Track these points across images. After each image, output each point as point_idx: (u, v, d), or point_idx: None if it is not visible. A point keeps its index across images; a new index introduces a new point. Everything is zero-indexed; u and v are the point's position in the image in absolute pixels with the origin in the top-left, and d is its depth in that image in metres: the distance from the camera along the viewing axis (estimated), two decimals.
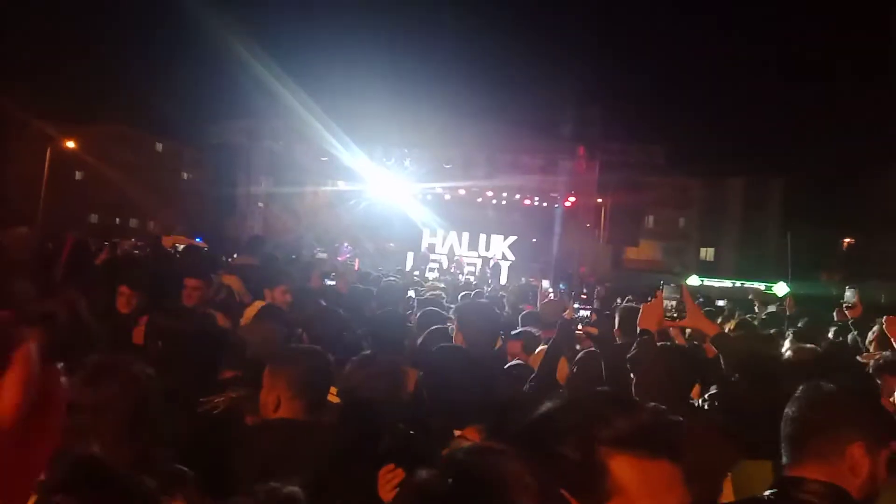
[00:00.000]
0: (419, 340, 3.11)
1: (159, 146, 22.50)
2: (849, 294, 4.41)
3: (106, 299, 3.55)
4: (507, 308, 5.92)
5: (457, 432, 1.79)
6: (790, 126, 13.74)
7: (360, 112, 14.52)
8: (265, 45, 12.64)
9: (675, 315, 2.42)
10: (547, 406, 1.00)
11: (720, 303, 10.43)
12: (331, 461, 1.63)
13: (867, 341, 3.81)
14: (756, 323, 4.59)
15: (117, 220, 21.25)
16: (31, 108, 14.73)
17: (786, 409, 1.35)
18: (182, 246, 8.77)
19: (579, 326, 3.32)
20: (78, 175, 19.84)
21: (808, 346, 3.56)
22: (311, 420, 1.75)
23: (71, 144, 18.75)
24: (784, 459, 1.32)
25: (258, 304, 3.48)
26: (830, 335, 4.76)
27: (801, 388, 1.36)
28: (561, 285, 12.42)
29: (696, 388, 2.79)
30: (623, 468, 0.88)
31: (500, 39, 14.02)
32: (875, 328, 3.75)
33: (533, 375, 2.65)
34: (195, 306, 3.55)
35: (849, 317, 5.18)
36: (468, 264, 17.81)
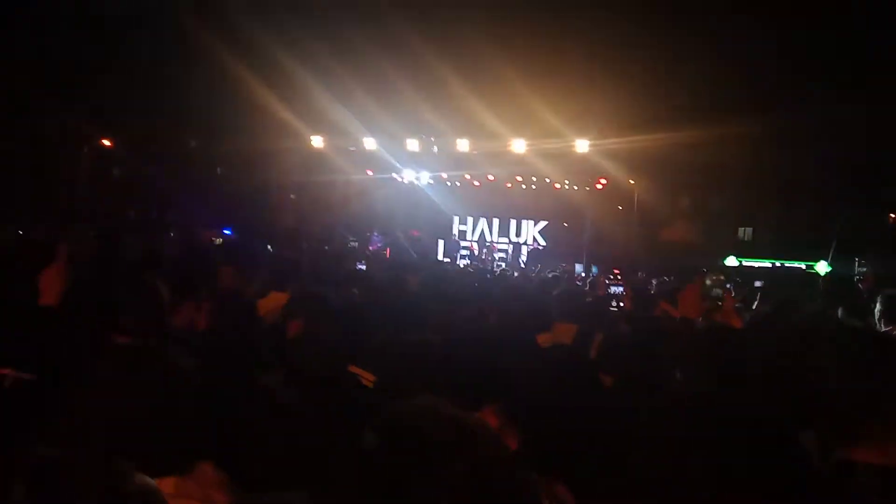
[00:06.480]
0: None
1: (192, 142, 22.89)
2: (858, 267, 4.37)
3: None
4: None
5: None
6: (825, 96, 13.19)
7: (386, 100, 14.51)
8: (291, 36, 12.65)
9: (719, 303, 2.40)
10: None
11: (758, 283, 10.23)
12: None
13: (876, 317, 3.70)
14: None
15: (155, 214, 21.78)
16: (66, 108, 15.04)
17: (824, 382, 1.26)
18: (220, 240, 8.96)
19: (612, 303, 3.30)
20: (115, 172, 20.35)
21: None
22: None
23: (107, 143, 19.13)
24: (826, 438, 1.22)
25: (277, 297, 3.45)
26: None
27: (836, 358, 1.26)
28: (594, 268, 12.30)
29: None
30: None
31: (525, 22, 13.83)
32: (879, 302, 3.65)
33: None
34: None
35: (862, 289, 5.10)
36: (499, 250, 17.75)
